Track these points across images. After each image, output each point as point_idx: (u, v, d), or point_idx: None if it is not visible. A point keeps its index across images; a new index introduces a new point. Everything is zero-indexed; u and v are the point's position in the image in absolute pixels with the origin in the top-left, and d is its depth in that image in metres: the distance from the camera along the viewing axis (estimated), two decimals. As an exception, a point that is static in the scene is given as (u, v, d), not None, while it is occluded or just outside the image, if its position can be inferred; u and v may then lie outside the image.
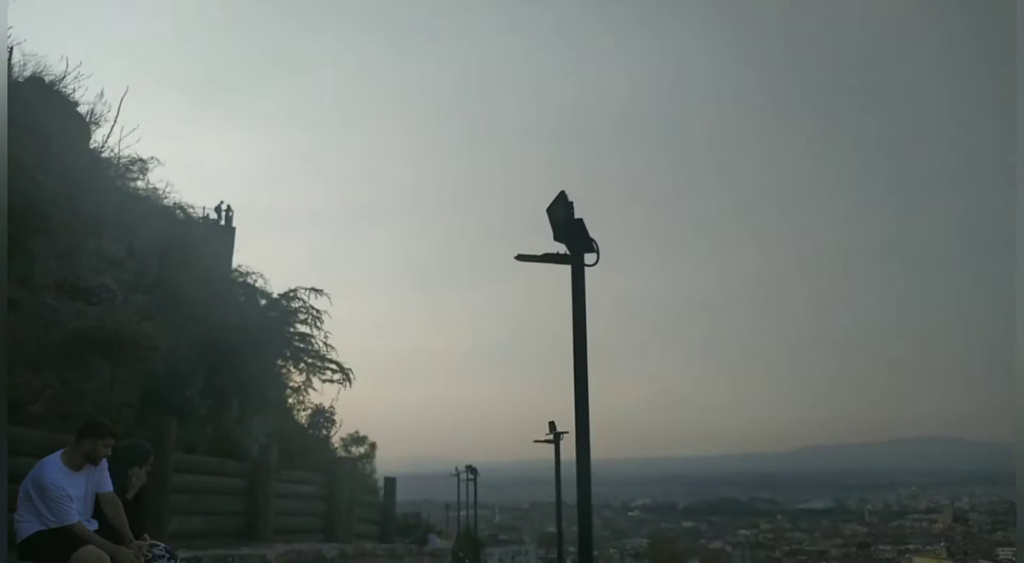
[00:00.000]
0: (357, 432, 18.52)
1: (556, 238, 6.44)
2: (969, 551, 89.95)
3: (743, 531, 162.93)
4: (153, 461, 5.35)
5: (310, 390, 10.55)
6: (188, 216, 12.88)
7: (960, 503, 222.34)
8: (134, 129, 10.39)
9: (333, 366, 10.68)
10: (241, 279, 11.69)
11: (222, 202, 18.95)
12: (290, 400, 11.06)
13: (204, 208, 16.70)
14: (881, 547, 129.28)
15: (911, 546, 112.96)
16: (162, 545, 4.77)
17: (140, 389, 8.15)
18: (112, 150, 10.20)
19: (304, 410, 11.13)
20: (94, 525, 4.39)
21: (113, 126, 10.21)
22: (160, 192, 11.34)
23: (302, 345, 10.52)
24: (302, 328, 10.41)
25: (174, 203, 12.35)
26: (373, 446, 18.57)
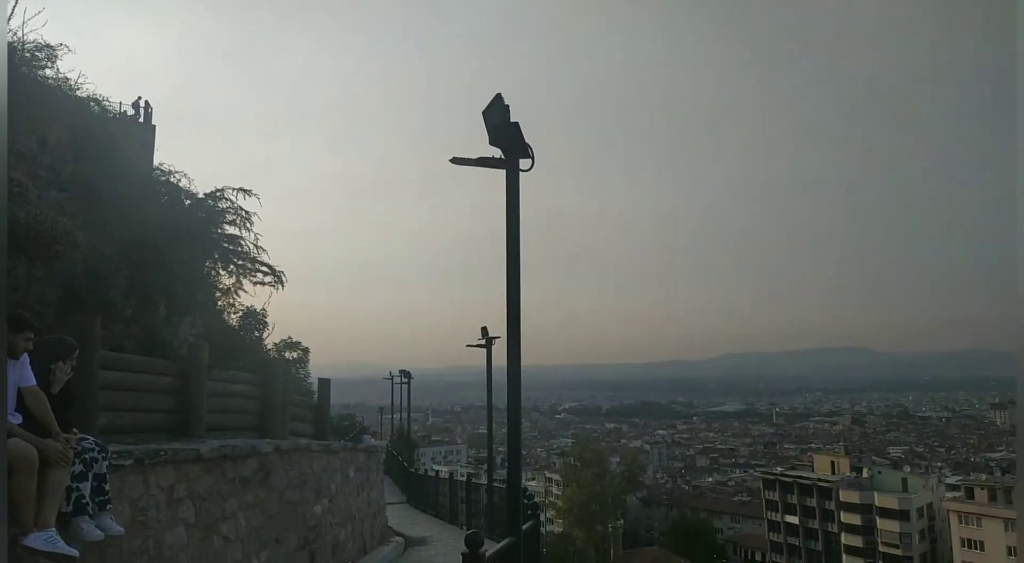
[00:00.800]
0: (290, 337, 18.48)
1: (492, 142, 6.40)
2: (864, 449, 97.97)
3: (661, 431, 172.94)
4: (77, 357, 5.27)
5: (240, 292, 10.41)
6: (104, 110, 12.14)
7: (859, 407, 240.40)
8: (39, 12, 9.53)
9: (264, 268, 10.53)
10: (163, 178, 11.22)
11: (140, 98, 17.90)
12: (220, 302, 10.90)
13: (121, 104, 15.75)
14: (786, 446, 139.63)
15: (813, 445, 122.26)
16: (91, 438, 4.77)
17: (60, 288, 7.90)
18: (15, 34, 9.37)
19: (235, 313, 11.01)
20: (18, 419, 4.35)
21: (15, 6, 9.35)
22: (72, 83, 10.60)
23: (231, 247, 10.29)
24: (230, 230, 10.15)
25: (88, 96, 11.59)
26: (306, 351, 18.52)
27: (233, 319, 10.73)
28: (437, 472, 21.60)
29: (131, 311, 8.89)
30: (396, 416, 45.14)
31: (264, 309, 10.87)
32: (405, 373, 32.93)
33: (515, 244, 6.21)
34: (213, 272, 10.41)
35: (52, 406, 4.47)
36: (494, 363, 17.79)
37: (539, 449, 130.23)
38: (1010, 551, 57.28)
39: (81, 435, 4.77)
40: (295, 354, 18.49)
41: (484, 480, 19.04)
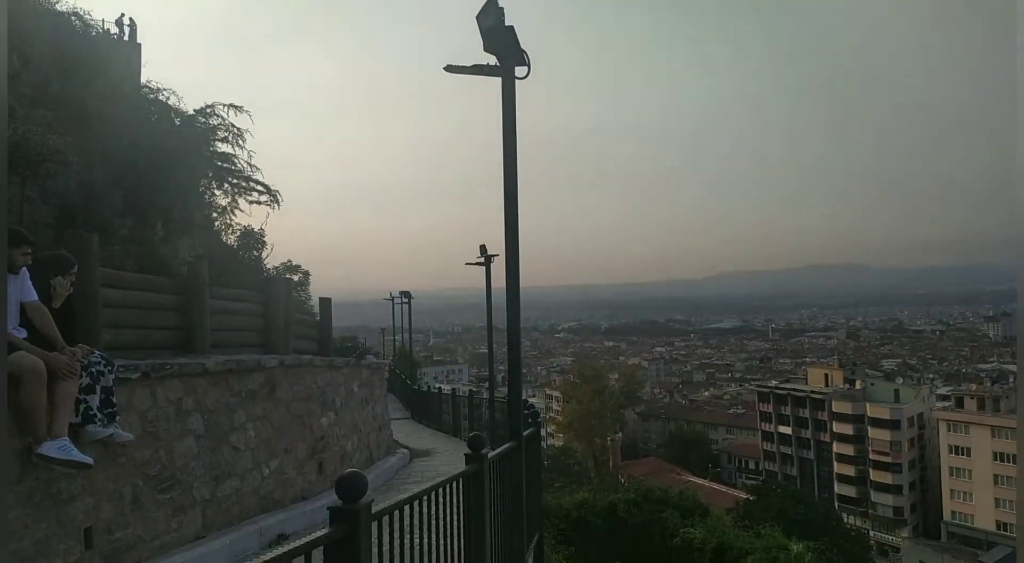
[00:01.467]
0: (290, 261, 18.49)
1: (486, 49, 6.20)
2: (858, 362, 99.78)
3: (659, 349, 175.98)
4: (77, 273, 5.28)
5: (236, 211, 10.33)
6: (86, 25, 11.72)
7: (854, 322, 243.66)
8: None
9: (259, 187, 10.42)
10: (152, 96, 10.95)
11: (123, 14, 17.26)
12: (217, 223, 10.84)
13: (104, 20, 15.21)
14: (781, 360, 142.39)
15: (807, 359, 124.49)
16: (98, 352, 4.83)
17: (54, 208, 7.83)
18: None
19: (232, 233, 10.97)
20: (23, 334, 4.39)
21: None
22: (50, -4, 10.17)
23: (225, 165, 10.14)
24: (223, 147, 9.98)
25: (68, 10, 11.16)
26: (307, 275, 18.54)
27: (231, 239, 10.71)
28: (440, 388, 22.02)
29: (128, 231, 8.84)
30: (398, 337, 45.73)
31: (262, 229, 10.83)
32: (405, 294, 33.15)
33: (512, 153, 6.10)
34: (208, 192, 10.30)
35: (55, 321, 4.50)
36: (493, 283, 17.91)
37: (539, 367, 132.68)
38: (995, 456, 59.33)
39: (88, 349, 4.83)
40: (296, 277, 18.55)
41: (486, 396, 19.44)
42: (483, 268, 16.96)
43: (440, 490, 3.28)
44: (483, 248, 15.88)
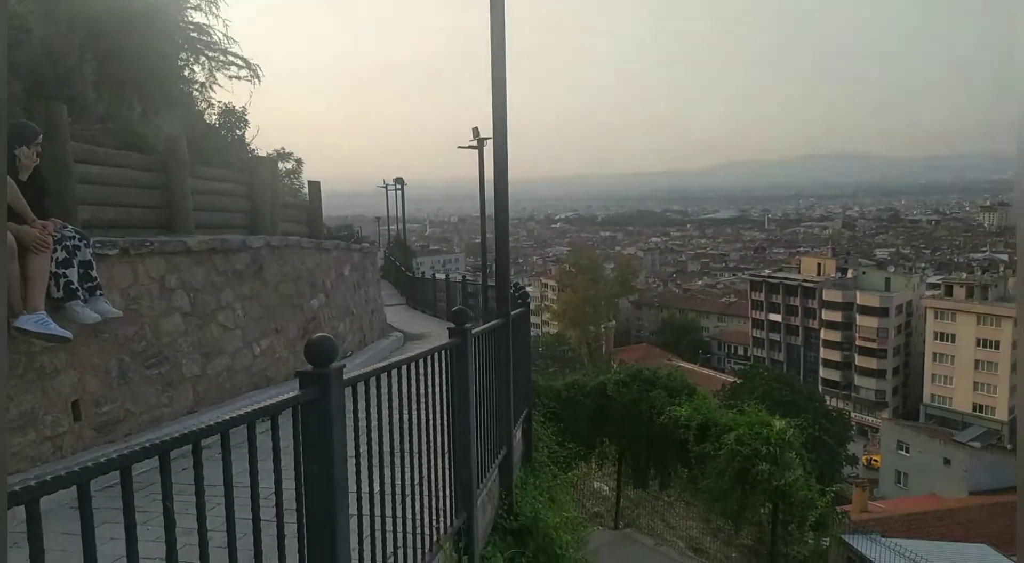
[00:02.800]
0: (283, 148, 17.95)
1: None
2: (851, 252, 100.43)
3: (654, 239, 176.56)
4: (45, 145, 5.04)
5: (215, 87, 9.86)
6: None
7: (851, 212, 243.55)
8: None
9: (238, 61, 9.90)
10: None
11: None
12: (197, 99, 10.39)
13: None
14: (775, 250, 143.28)
15: (802, 249, 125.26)
16: (71, 227, 4.68)
17: (21, 81, 7.43)
18: None
19: (213, 112, 10.54)
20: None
21: None
22: None
23: (200, 37, 9.59)
24: (196, 16, 9.40)
25: None
26: (299, 162, 18.05)
27: (212, 117, 10.31)
28: (434, 275, 22.09)
29: (103, 108, 8.45)
30: (393, 227, 45.57)
31: (244, 108, 10.40)
32: (399, 180, 32.69)
33: (500, 27, 5.66)
34: (186, 66, 9.80)
35: (24, 194, 4.32)
36: (487, 168, 17.59)
37: (535, 257, 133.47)
38: (979, 342, 60.89)
39: (62, 223, 4.68)
40: (288, 165, 18.11)
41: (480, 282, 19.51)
42: (478, 154, 16.58)
43: (421, 361, 3.22)
44: (475, 130, 15.44)
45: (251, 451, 1.87)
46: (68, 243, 4.54)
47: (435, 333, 14.87)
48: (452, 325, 3.81)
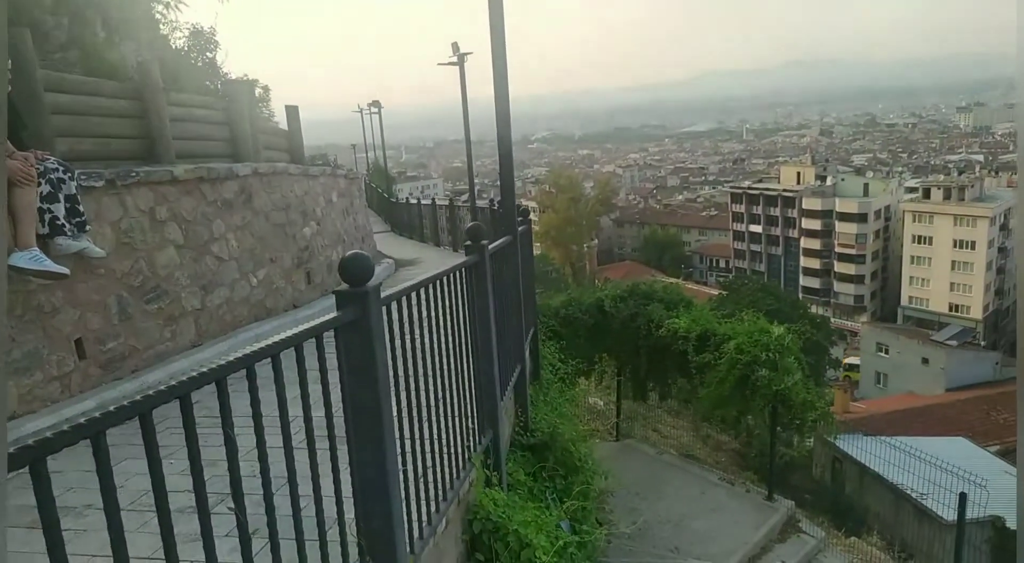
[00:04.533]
0: (246, 75, 17.15)
1: None
2: (830, 159, 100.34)
3: (633, 155, 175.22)
4: (11, 71, 4.73)
5: (181, 7, 9.29)
6: None
7: (828, 119, 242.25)
8: None
9: (203, -23, 9.29)
10: None
11: None
12: (161, 23, 9.81)
13: None
14: (754, 161, 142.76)
15: (780, 159, 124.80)
16: (54, 159, 4.43)
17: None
18: None
19: (181, 34, 9.98)
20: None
21: None
22: None
23: (159, -50, 8.97)
24: (156, -70, 8.73)
25: None
26: (267, 90, 17.25)
27: (180, 41, 9.77)
28: (419, 199, 21.77)
29: (65, 35, 7.95)
30: (370, 154, 44.65)
31: (212, 28, 9.86)
32: (375, 104, 31.79)
33: None
34: (146, -14, 9.20)
35: (-2, 124, 4.05)
36: (469, 88, 16.98)
37: (514, 179, 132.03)
38: (955, 243, 61.85)
39: (43, 154, 4.43)
40: (256, 92, 17.34)
41: (466, 205, 19.26)
42: (457, 71, 16.00)
43: (446, 278, 3.11)
44: (455, 46, 14.84)
45: (301, 374, 1.78)
46: (52, 176, 4.30)
47: (425, 258, 14.75)
48: (468, 242, 3.68)
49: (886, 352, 47.70)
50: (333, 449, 1.95)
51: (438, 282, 2.99)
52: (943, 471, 15.03)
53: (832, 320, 57.75)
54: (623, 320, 10.26)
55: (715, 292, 52.36)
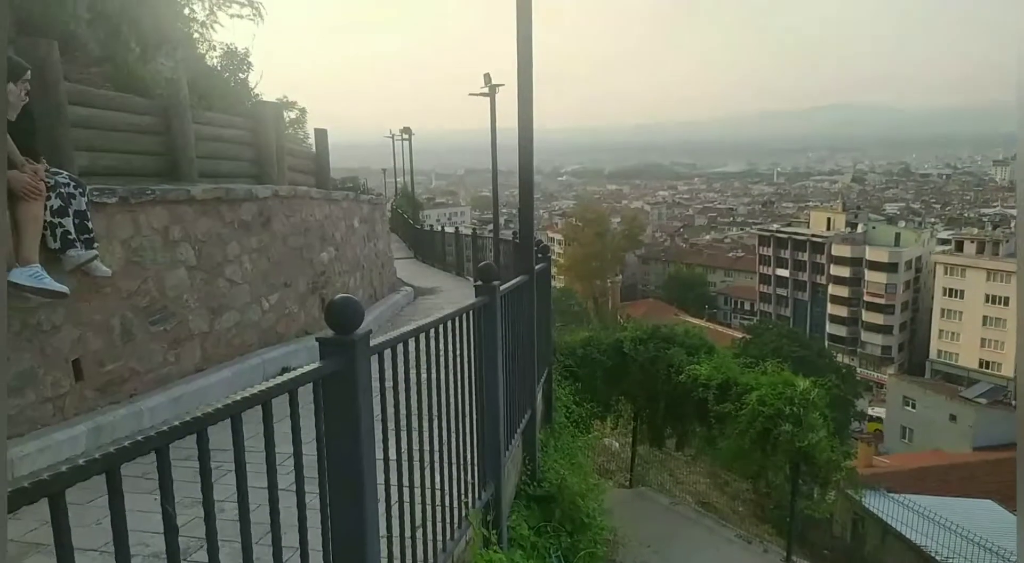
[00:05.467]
0: (285, 97, 17.43)
1: None
2: (861, 206, 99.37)
3: (662, 192, 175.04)
4: (35, 84, 4.68)
5: (216, 26, 9.36)
6: None
7: (861, 165, 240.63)
8: None
9: (239, -1, 9.37)
10: None
11: None
12: (199, 44, 9.88)
13: None
14: (784, 204, 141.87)
15: (811, 203, 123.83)
16: (65, 173, 4.35)
17: (11, 20, 6.99)
18: None
19: (214, 53, 10.04)
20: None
21: None
22: None
23: (197, -29, 9.07)
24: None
25: None
26: (303, 112, 17.52)
27: (213, 60, 9.83)
28: (443, 228, 21.73)
29: (98, 48, 8.01)
30: (400, 179, 44.98)
31: (247, 49, 9.91)
32: (406, 130, 32.05)
33: None
34: (184, 2, 9.29)
35: (13, 136, 3.97)
36: (499, 119, 17.00)
37: (541, 210, 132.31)
38: (988, 298, 60.51)
39: (53, 169, 4.35)
40: (292, 114, 17.56)
41: (490, 236, 19.14)
42: (488, 102, 16.03)
43: (450, 322, 2.92)
44: (487, 77, 14.87)
45: (267, 433, 1.58)
46: (63, 190, 4.21)
47: (445, 287, 14.61)
48: (479, 282, 3.50)
49: (913, 406, 46.47)
50: (302, 518, 1.75)
51: (441, 326, 2.80)
52: (969, 542, 14.35)
53: (858, 370, 56.57)
54: (643, 363, 9.99)
55: (739, 334, 51.59)
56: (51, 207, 4.09)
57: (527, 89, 5.15)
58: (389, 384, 2.28)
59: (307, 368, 1.70)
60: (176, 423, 1.27)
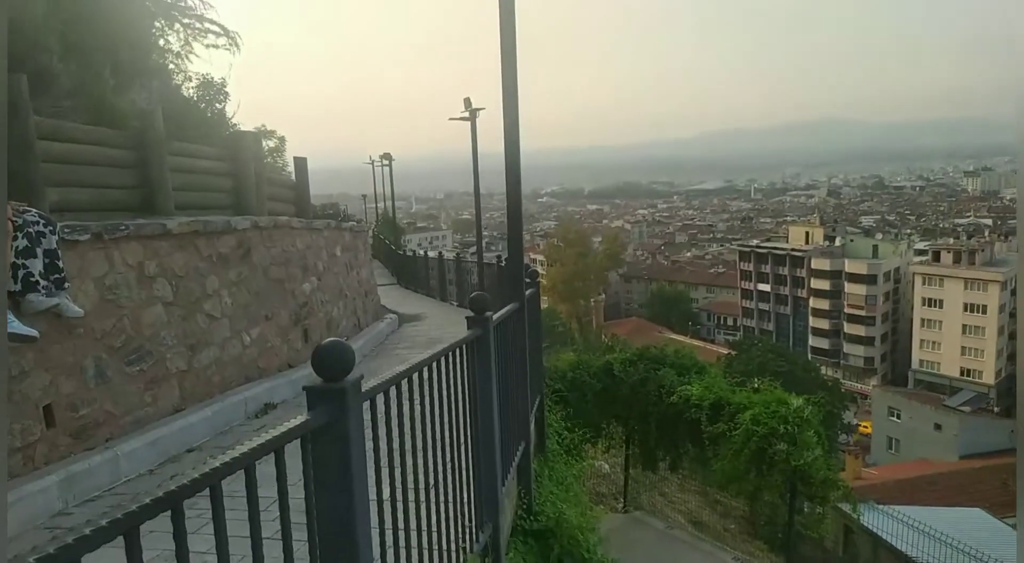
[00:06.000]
0: (264, 126, 17.37)
1: None
2: (838, 220, 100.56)
3: (642, 211, 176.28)
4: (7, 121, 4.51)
5: (192, 57, 9.23)
6: None
7: (836, 180, 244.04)
8: None
9: (215, 28, 9.26)
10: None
11: None
12: (172, 70, 9.73)
13: None
14: (763, 220, 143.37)
15: (789, 218, 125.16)
16: (35, 211, 4.18)
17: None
18: None
19: (191, 84, 9.90)
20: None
21: None
22: None
23: (172, 1, 8.94)
24: (167, -21, 8.71)
25: None
26: (282, 140, 17.44)
27: (189, 90, 9.69)
28: (425, 253, 21.57)
29: (71, 81, 7.84)
30: (380, 204, 44.83)
31: (223, 79, 9.79)
32: (386, 156, 31.99)
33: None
34: (159, 34, 9.15)
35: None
36: (480, 142, 16.93)
37: (523, 232, 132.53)
38: (966, 307, 61.20)
39: (24, 207, 4.17)
40: (271, 143, 17.47)
41: (472, 260, 19.02)
42: (468, 127, 15.99)
43: (443, 358, 2.78)
44: (467, 101, 14.84)
45: (251, 499, 1.43)
46: (31, 230, 4.03)
47: (430, 313, 14.43)
48: (471, 314, 3.36)
49: (898, 417, 46.67)
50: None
51: (435, 363, 2.66)
52: (960, 552, 14.26)
53: (842, 382, 56.82)
54: (633, 385, 9.86)
55: (723, 350, 51.68)
56: (16, 248, 3.91)
57: (513, 116, 5.05)
58: (381, 423, 2.13)
59: (293, 423, 1.55)
60: (147, 501, 1.12)
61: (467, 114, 15.10)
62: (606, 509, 11.74)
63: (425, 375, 2.56)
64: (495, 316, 3.68)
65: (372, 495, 2.02)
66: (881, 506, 21.12)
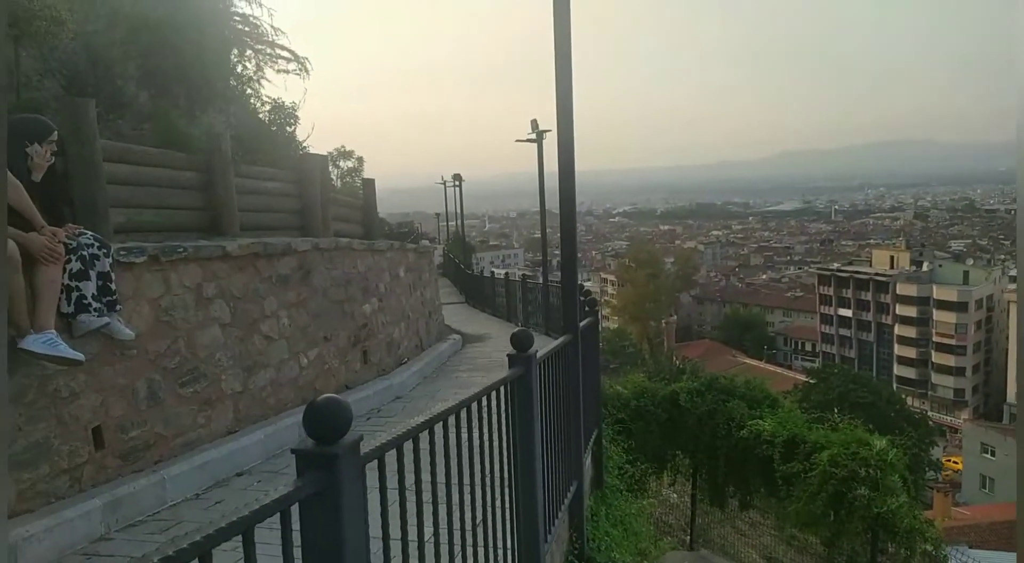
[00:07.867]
0: (343, 146, 18.00)
1: None
2: (925, 244, 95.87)
3: (715, 232, 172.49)
4: (70, 143, 4.62)
5: (264, 81, 9.44)
6: None
7: (923, 202, 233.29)
8: None
9: (286, 54, 9.45)
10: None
11: None
12: (251, 99, 9.99)
13: None
14: (843, 243, 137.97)
15: (872, 241, 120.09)
16: (90, 234, 4.21)
17: (60, 77, 7.10)
18: None
19: (263, 107, 10.14)
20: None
21: None
22: None
23: (245, 28, 9.19)
24: (241, 6, 8.97)
25: None
26: (360, 160, 18.05)
27: (262, 114, 9.91)
28: (493, 273, 21.52)
29: (147, 105, 8.10)
30: (452, 223, 45.33)
31: (294, 103, 9.98)
32: (456, 176, 32.33)
33: (565, 24, 4.90)
34: (236, 61, 9.41)
35: (33, 197, 3.84)
36: (546, 162, 16.83)
37: (594, 252, 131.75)
38: (1070, 339, 57.07)
39: (79, 230, 4.21)
40: (350, 163, 18.01)
41: (540, 280, 18.84)
42: (535, 147, 15.89)
43: (474, 404, 2.56)
44: (534, 123, 14.75)
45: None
46: (85, 252, 4.05)
47: (495, 334, 14.27)
48: (512, 351, 3.15)
49: (992, 454, 43.66)
50: None
51: (464, 411, 2.44)
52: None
53: (930, 414, 53.72)
54: (700, 416, 9.42)
55: (801, 377, 49.65)
56: (70, 270, 3.93)
57: (568, 138, 4.85)
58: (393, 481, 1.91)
59: (277, 493, 1.36)
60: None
61: (534, 136, 15.01)
62: (673, 542, 11.24)
63: (451, 422, 2.35)
64: (542, 352, 3.46)
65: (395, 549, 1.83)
66: (974, 551, 19.65)
